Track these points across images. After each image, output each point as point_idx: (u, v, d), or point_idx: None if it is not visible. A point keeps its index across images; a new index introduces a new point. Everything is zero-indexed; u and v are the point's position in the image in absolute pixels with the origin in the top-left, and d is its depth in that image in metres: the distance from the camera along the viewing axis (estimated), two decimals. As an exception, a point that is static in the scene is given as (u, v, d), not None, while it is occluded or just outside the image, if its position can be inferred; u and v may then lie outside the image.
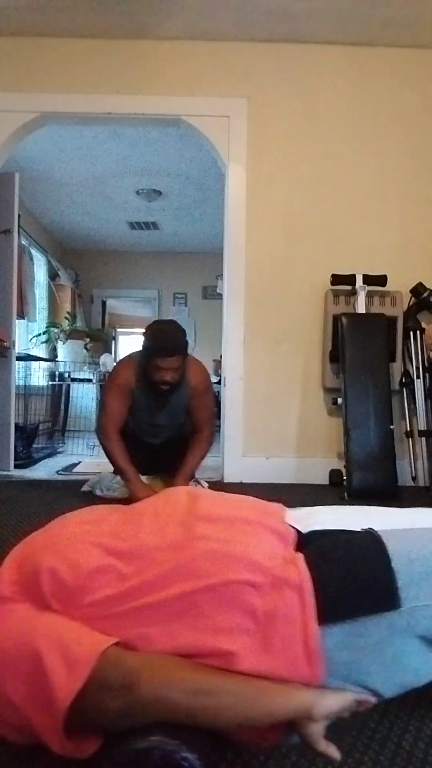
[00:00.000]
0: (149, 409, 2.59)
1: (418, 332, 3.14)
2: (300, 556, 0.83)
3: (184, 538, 0.84)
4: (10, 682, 0.72)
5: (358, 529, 0.88)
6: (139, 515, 0.92)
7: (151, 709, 0.69)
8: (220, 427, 3.13)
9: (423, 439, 3.13)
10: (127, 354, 2.78)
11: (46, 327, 5.70)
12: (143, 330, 2.63)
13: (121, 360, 2.72)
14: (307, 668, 0.75)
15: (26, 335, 5.31)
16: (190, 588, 0.77)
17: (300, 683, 0.74)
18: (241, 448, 3.21)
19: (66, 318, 5.93)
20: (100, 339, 6.21)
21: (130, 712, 0.69)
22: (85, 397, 5.87)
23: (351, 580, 0.79)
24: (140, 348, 2.57)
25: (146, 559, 0.82)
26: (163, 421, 2.65)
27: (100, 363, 5.87)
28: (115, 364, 2.74)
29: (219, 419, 3.05)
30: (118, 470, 2.53)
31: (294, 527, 0.92)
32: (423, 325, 3.16)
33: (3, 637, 0.75)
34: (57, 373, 5.72)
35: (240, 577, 0.78)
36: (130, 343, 10.01)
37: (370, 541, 0.84)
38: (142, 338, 2.58)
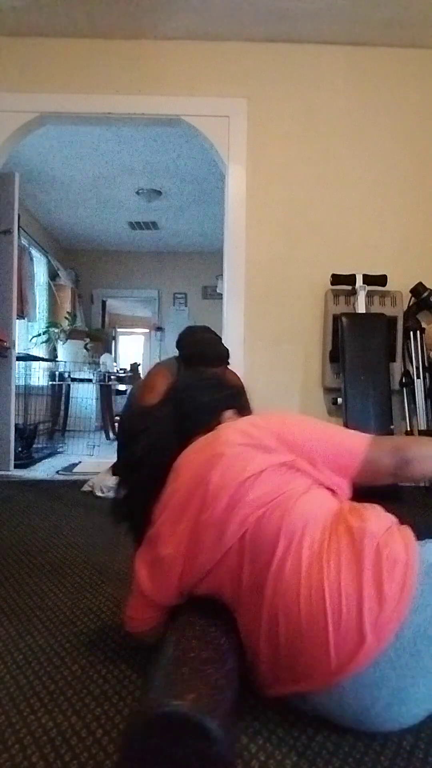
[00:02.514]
0: None
1: (418, 332, 3.14)
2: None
3: None
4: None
5: None
6: None
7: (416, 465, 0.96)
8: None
9: (423, 439, 3.13)
10: (159, 363, 2.69)
11: (46, 327, 5.70)
12: (178, 337, 2.52)
13: (152, 369, 2.58)
14: None
15: (26, 335, 5.31)
16: None
17: None
18: (241, 448, 3.21)
19: (66, 318, 5.93)
20: (100, 339, 6.20)
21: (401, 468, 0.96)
22: (85, 397, 5.87)
23: None
24: (173, 356, 2.48)
25: None
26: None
27: (100, 363, 5.87)
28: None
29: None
30: None
31: None
32: (423, 325, 3.16)
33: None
34: (57, 373, 5.71)
35: None
36: (130, 343, 10.03)
37: None
38: (177, 346, 2.48)
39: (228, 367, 2.51)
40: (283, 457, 0.95)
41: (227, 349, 2.29)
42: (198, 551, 0.92)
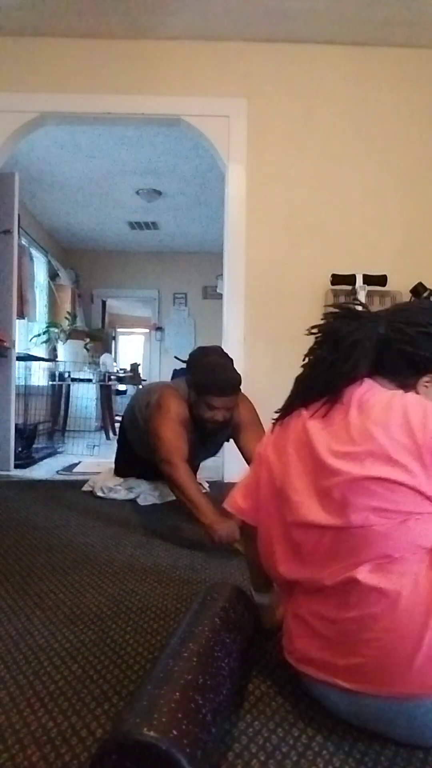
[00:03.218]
0: (193, 444, 2.23)
1: (418, 332, 3.13)
2: None
3: None
4: None
5: None
6: None
7: None
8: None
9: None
10: (165, 384, 2.48)
11: (46, 327, 5.70)
12: (189, 359, 2.27)
13: (166, 391, 2.29)
14: None
15: (26, 335, 5.31)
16: None
17: None
18: (241, 448, 3.21)
19: (66, 318, 5.93)
20: (100, 339, 6.21)
21: None
22: (85, 397, 5.87)
23: None
24: (184, 379, 2.27)
25: None
26: (202, 454, 2.49)
27: (100, 363, 5.87)
28: (158, 393, 2.27)
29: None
30: (188, 502, 1.94)
31: None
32: (423, 325, 3.15)
33: None
34: (57, 373, 5.72)
35: None
36: (130, 343, 10.03)
37: None
38: (187, 370, 2.24)
39: (243, 398, 2.34)
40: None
41: (239, 376, 2.18)
42: None
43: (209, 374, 2.12)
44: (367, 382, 0.95)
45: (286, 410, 1.03)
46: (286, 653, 0.96)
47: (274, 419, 1.06)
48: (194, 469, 2.42)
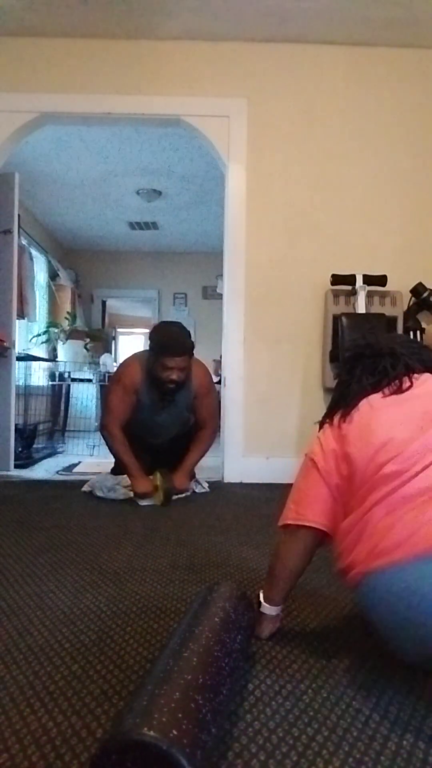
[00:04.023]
0: (152, 410, 2.64)
1: (418, 332, 3.14)
2: None
3: None
4: None
5: None
6: None
7: None
8: (220, 427, 3.15)
9: (423, 439, 3.13)
10: (131, 354, 2.82)
11: (46, 327, 5.70)
12: (149, 331, 2.71)
13: (125, 360, 2.77)
14: None
15: (26, 335, 5.31)
16: None
17: None
18: (241, 448, 3.21)
19: (66, 318, 5.93)
20: (100, 339, 6.21)
21: None
22: (85, 397, 5.87)
23: None
24: (145, 348, 2.64)
25: None
26: (165, 421, 2.69)
27: (100, 363, 5.87)
28: (118, 364, 2.85)
29: (220, 419, 3.08)
30: (121, 465, 2.61)
31: None
32: (423, 325, 3.16)
33: None
34: (57, 373, 5.72)
35: None
36: (130, 343, 10.03)
37: None
38: (147, 338, 2.66)
39: (198, 363, 2.69)
40: None
41: (193, 343, 2.56)
42: None
43: (162, 338, 2.52)
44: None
45: (348, 405, 1.16)
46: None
47: (328, 419, 1.19)
48: (168, 437, 2.78)
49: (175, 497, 2.54)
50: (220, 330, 3.42)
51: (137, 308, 8.79)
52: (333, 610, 1.34)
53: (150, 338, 2.62)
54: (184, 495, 2.66)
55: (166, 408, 2.64)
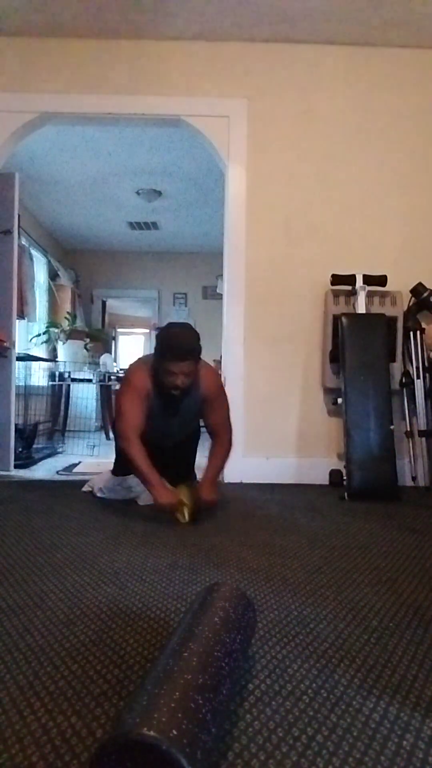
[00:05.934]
0: (163, 414, 2.50)
1: (418, 332, 3.14)
2: None
3: None
4: None
5: None
6: None
7: None
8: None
9: (423, 439, 3.13)
10: (137, 359, 2.69)
11: (46, 327, 5.70)
12: (157, 332, 2.59)
13: (134, 364, 2.62)
14: None
15: (26, 335, 5.31)
16: None
17: None
18: (241, 448, 3.21)
19: (66, 318, 5.93)
20: (100, 339, 6.21)
21: None
22: (85, 398, 5.87)
23: None
24: (149, 352, 2.55)
25: None
26: (175, 425, 2.60)
27: (100, 363, 5.87)
28: (118, 364, 2.73)
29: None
30: (139, 476, 2.34)
31: None
32: (423, 325, 3.16)
33: None
34: (57, 373, 5.72)
35: None
36: (130, 343, 10.03)
37: None
38: (153, 340, 2.62)
39: (207, 367, 2.58)
40: None
41: (200, 346, 2.39)
42: None
43: (166, 342, 2.37)
44: None
45: None
46: None
47: None
48: (174, 442, 2.64)
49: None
50: (220, 330, 3.42)
51: (137, 308, 8.79)
52: (333, 610, 1.34)
53: (156, 342, 2.49)
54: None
55: (176, 414, 2.52)
